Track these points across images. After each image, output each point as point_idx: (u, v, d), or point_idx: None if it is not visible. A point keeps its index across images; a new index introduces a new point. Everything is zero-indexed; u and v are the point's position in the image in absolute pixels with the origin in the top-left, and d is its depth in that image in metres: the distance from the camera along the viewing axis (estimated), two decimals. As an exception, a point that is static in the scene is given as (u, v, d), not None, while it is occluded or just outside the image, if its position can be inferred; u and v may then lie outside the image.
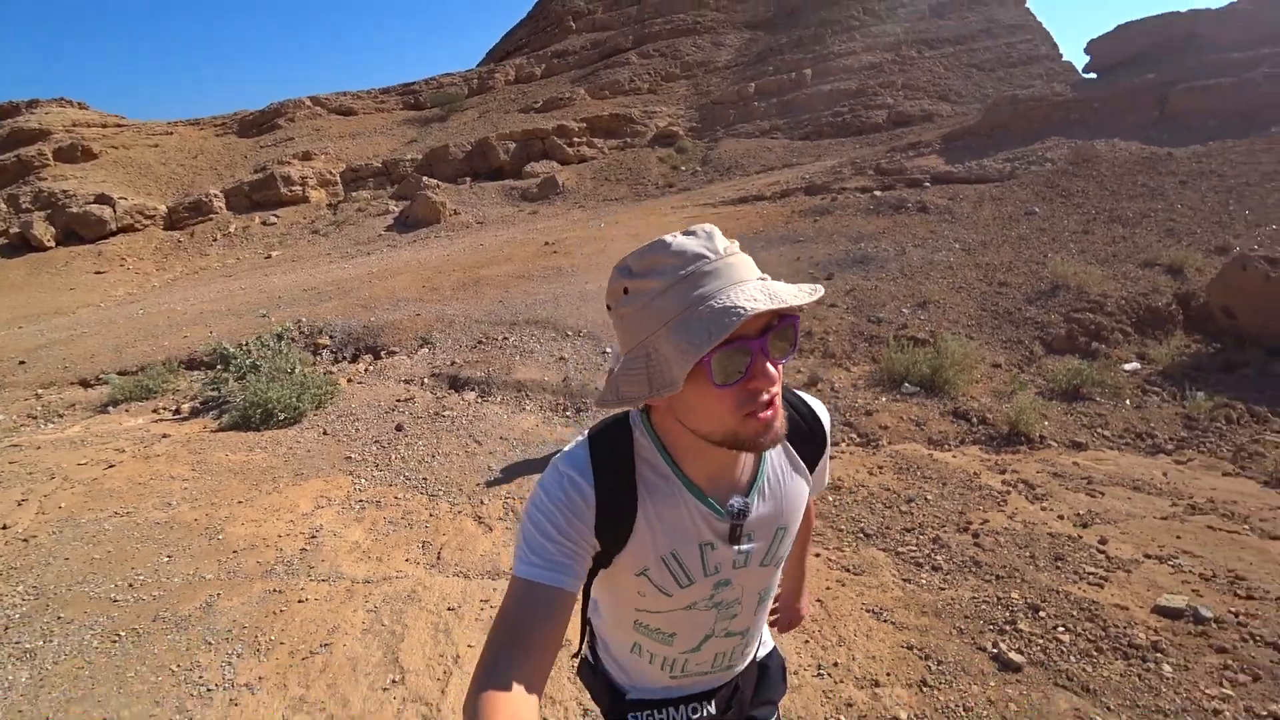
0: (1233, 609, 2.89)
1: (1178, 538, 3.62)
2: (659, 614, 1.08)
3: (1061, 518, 3.93)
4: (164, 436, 6.43)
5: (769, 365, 0.87)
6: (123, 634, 3.09)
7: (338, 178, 25.11)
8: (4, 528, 4.35)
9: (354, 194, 24.06)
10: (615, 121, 25.19)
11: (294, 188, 23.94)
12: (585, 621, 1.26)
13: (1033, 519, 3.88)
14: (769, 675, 1.34)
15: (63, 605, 3.36)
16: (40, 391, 9.15)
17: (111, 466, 5.40)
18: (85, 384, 9.47)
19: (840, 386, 6.81)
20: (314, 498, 4.51)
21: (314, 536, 3.96)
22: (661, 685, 1.20)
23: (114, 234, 22.27)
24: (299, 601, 3.30)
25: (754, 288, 0.84)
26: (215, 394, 7.43)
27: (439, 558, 3.70)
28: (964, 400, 6.31)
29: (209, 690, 2.69)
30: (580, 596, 1.14)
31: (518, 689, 0.82)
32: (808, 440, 1.13)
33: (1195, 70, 17.36)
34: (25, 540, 4.09)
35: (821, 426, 1.17)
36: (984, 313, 8.40)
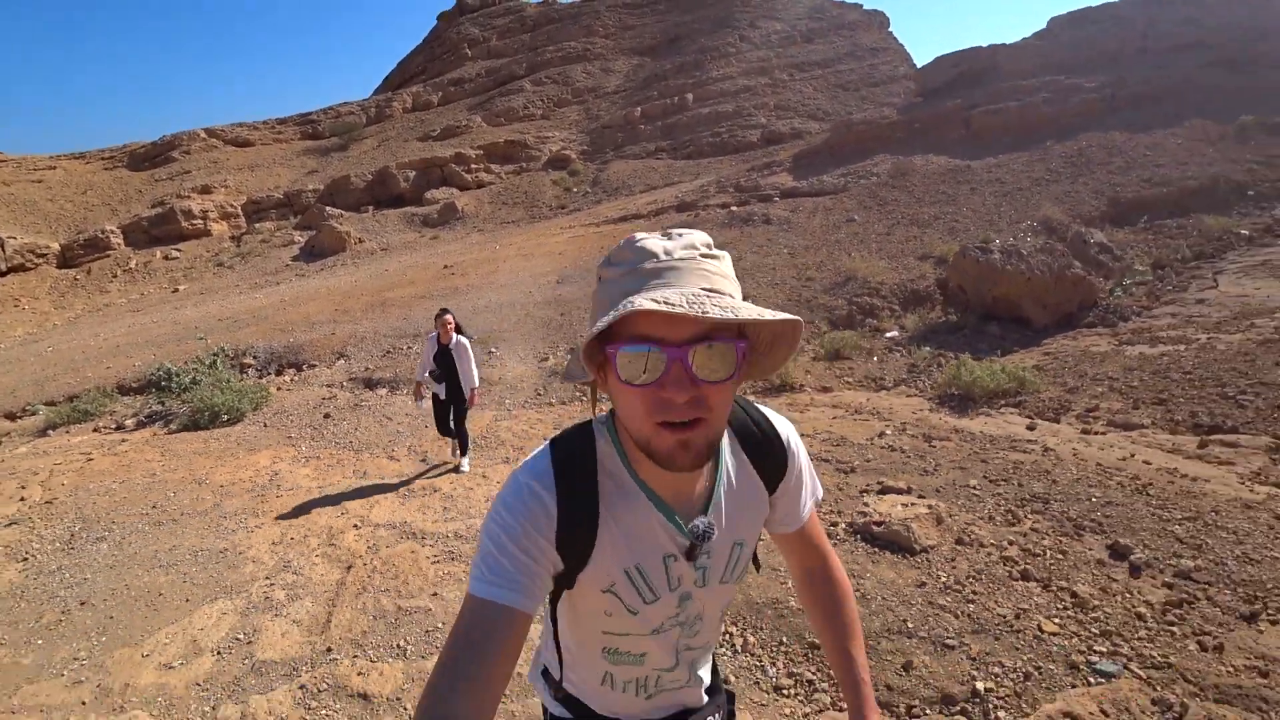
0: (823, 448, 5.17)
1: (830, 425, 5.93)
2: (627, 636, 1.06)
3: (771, 423, 6.19)
4: (122, 440, 7.83)
5: (689, 379, 0.81)
6: (165, 522, 4.80)
7: (239, 210, 25.74)
8: (22, 500, 5.81)
9: (257, 225, 24.78)
10: (511, 147, 27.02)
11: (195, 221, 24.45)
12: (557, 648, 1.17)
13: (752, 426, 6.11)
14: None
15: (110, 519, 4.97)
16: (-37, 427, 9.87)
17: (90, 460, 6.85)
18: (10, 416, 10.24)
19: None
20: (270, 458, 6.25)
21: (276, 474, 5.74)
22: (638, 713, 1.17)
23: (3, 274, 22.18)
24: (276, 498, 5.13)
25: (682, 294, 0.78)
26: (160, 407, 8.82)
27: (365, 475, 5.63)
28: (753, 366, 8.63)
29: (233, 531, 4.54)
30: (551, 624, 1.17)
31: (467, 713, 0.81)
32: (764, 455, 1.08)
33: (993, 95, 20.91)
34: (48, 503, 5.58)
35: (779, 440, 1.10)
36: (789, 301, 10.86)
